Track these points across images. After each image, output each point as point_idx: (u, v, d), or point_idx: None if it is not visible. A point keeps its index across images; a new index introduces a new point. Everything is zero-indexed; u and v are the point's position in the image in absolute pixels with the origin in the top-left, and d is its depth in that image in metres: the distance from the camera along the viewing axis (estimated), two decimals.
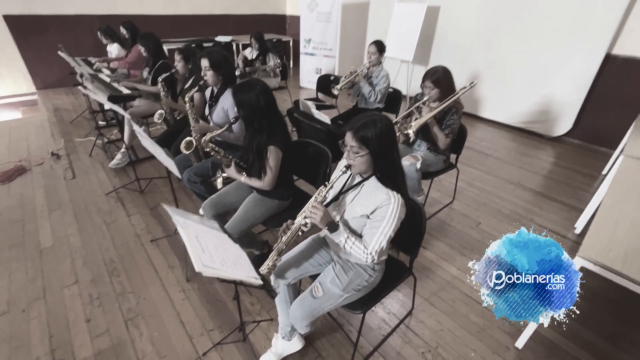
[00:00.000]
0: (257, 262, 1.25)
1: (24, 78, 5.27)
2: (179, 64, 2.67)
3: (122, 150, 3.16)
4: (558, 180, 3.29)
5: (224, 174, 1.97)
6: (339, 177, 1.25)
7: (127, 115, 2.24)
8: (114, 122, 4.18)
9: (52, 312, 1.76)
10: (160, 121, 2.83)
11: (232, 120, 1.76)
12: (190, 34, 6.50)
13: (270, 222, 1.86)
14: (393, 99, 3.26)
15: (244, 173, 1.83)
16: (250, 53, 4.38)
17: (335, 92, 3.03)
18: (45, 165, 3.20)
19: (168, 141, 2.68)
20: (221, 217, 1.91)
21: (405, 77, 5.29)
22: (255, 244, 2.02)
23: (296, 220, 1.27)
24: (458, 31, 4.73)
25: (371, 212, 1.19)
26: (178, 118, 2.95)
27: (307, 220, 1.23)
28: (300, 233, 1.28)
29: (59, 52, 3.72)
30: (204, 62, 2.04)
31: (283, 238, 1.29)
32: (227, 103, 2.10)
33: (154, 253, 2.18)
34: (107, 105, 2.44)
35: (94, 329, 1.67)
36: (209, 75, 2.07)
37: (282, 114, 1.73)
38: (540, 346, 1.65)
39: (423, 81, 2.15)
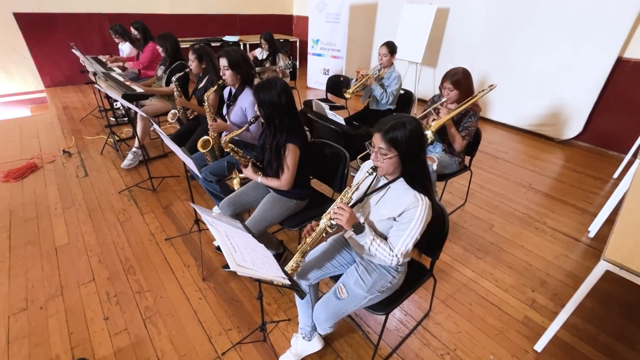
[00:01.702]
0: None
1: (32, 76, 5.29)
2: (192, 64, 2.67)
3: (134, 149, 3.16)
4: (569, 183, 3.28)
5: (241, 175, 1.98)
6: (364, 178, 1.24)
7: (143, 114, 2.25)
8: (124, 121, 4.19)
9: (70, 310, 1.76)
10: (173, 120, 2.84)
11: (251, 120, 1.76)
12: (198, 33, 6.51)
13: (287, 221, 1.86)
14: (404, 100, 3.26)
15: (260, 173, 1.84)
16: (261, 53, 4.38)
17: (347, 95, 3.03)
18: (57, 162, 3.21)
19: (181, 140, 2.69)
20: (238, 217, 1.91)
21: (414, 79, 5.30)
22: (272, 244, 2.02)
23: (321, 222, 1.27)
24: (467, 33, 4.73)
25: (399, 215, 1.19)
26: (191, 117, 2.96)
27: (334, 222, 1.23)
28: (324, 234, 1.28)
29: (72, 50, 3.74)
30: (223, 62, 2.04)
31: (307, 239, 1.29)
32: (245, 102, 2.11)
33: (169, 252, 2.18)
34: (122, 103, 2.44)
35: (112, 327, 1.68)
36: (227, 75, 2.07)
37: (299, 112, 1.73)
38: (560, 350, 1.64)
39: (442, 82, 2.15)
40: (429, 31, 4.71)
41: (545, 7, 3.90)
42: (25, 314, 1.73)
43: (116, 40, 4.32)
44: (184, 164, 2.31)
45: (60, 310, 1.76)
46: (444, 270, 2.12)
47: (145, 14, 5.81)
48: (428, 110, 2.24)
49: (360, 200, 1.30)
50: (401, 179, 1.21)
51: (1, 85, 5.11)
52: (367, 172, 1.22)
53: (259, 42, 4.36)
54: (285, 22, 7.85)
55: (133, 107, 2.39)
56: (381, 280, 1.32)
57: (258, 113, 1.65)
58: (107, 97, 3.91)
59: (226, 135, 1.90)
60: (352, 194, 1.25)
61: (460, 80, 2.10)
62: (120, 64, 4.13)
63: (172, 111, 2.81)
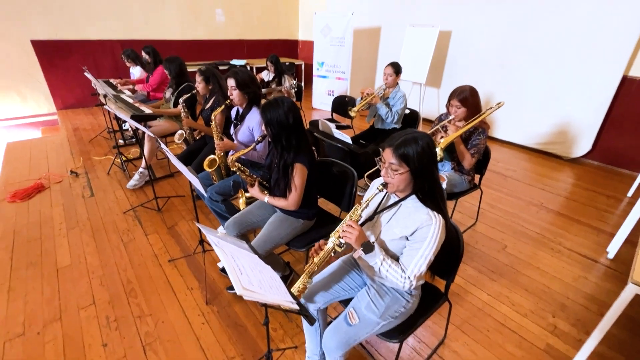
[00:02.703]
0: None
1: (45, 99, 5.43)
2: (199, 85, 2.72)
3: (140, 170, 3.17)
4: (581, 202, 3.19)
5: (247, 194, 1.96)
6: (374, 195, 1.20)
7: (151, 134, 2.26)
8: (132, 142, 4.24)
9: (68, 335, 1.69)
10: (180, 141, 2.86)
11: (258, 139, 1.75)
12: (206, 57, 6.71)
13: (293, 242, 1.81)
14: (410, 119, 3.27)
15: (267, 193, 1.80)
16: (267, 75, 4.48)
17: (353, 114, 3.04)
18: (64, 183, 3.22)
19: (188, 160, 2.69)
20: (244, 237, 1.86)
21: (418, 99, 5.34)
22: (278, 266, 1.96)
23: (329, 240, 1.22)
24: (470, 54, 4.80)
25: (411, 233, 1.14)
26: (197, 138, 2.98)
27: (342, 240, 1.18)
28: (333, 254, 1.23)
29: (85, 73, 3.84)
30: (231, 82, 2.07)
31: (315, 259, 1.23)
32: (252, 122, 2.11)
33: (172, 274, 2.12)
34: (130, 123, 2.47)
35: (111, 355, 1.60)
36: (235, 95, 2.09)
37: (307, 131, 1.72)
38: None
39: (449, 100, 2.14)
40: (432, 53, 4.79)
41: (548, 27, 3.96)
42: (21, 340, 1.66)
43: (127, 64, 4.45)
44: (190, 183, 2.30)
45: (57, 336, 1.69)
46: (457, 294, 2.02)
47: (157, 39, 6.02)
48: (436, 127, 2.23)
49: (371, 218, 1.26)
50: (413, 197, 1.17)
51: (15, 108, 5.25)
52: (377, 188, 1.18)
53: (265, 64, 4.47)
54: (291, 47, 8.08)
55: (141, 127, 2.41)
56: (394, 304, 1.25)
57: (265, 132, 1.64)
58: (117, 118, 3.98)
59: (233, 154, 1.88)
60: (362, 211, 1.20)
61: (467, 98, 2.09)
62: (131, 86, 4.23)
63: (179, 132, 2.83)
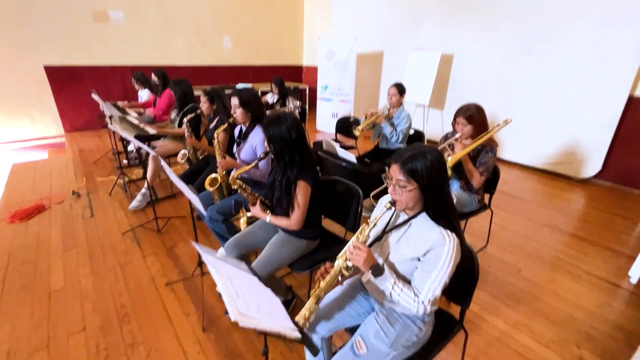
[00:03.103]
0: None
1: (54, 121, 5.54)
2: (204, 105, 2.73)
3: (143, 191, 3.13)
4: (596, 223, 3.07)
5: (248, 214, 1.89)
6: (382, 214, 1.13)
7: (152, 153, 2.24)
8: (136, 163, 4.24)
9: None
10: (183, 161, 2.83)
11: (261, 156, 1.71)
12: (212, 82, 6.87)
13: (296, 264, 1.72)
14: (415, 140, 3.23)
15: (269, 212, 1.74)
16: (272, 97, 4.53)
17: (357, 132, 3.02)
18: (65, 203, 3.19)
19: (190, 180, 2.66)
20: (244, 258, 1.78)
21: (422, 120, 5.36)
22: (280, 289, 1.85)
23: (336, 263, 1.14)
24: (472, 77, 4.84)
25: (423, 254, 1.05)
26: (200, 158, 2.96)
27: (349, 263, 1.10)
28: (340, 277, 1.14)
29: (92, 95, 3.91)
30: (234, 101, 2.06)
31: (321, 283, 1.15)
32: (256, 140, 2.08)
33: (169, 298, 2.01)
34: (134, 143, 2.46)
35: None
36: (238, 113, 2.07)
37: (311, 149, 1.68)
38: None
39: (455, 118, 2.11)
40: (434, 76, 4.85)
41: (551, 48, 3.98)
42: None
43: (137, 87, 4.55)
44: (190, 203, 2.24)
45: None
46: (472, 321, 1.88)
47: (165, 65, 6.20)
48: (442, 146, 2.18)
49: (379, 238, 1.18)
50: (424, 214, 1.09)
51: (24, 131, 5.34)
52: (385, 206, 1.11)
53: (269, 87, 4.54)
54: (296, 72, 8.28)
55: (144, 146, 2.39)
56: (406, 332, 1.14)
57: (268, 149, 1.60)
58: (122, 140, 4.01)
59: (235, 171, 1.83)
60: (370, 231, 1.12)
61: (473, 115, 2.06)
62: (141, 109, 4.30)
63: (182, 151, 2.81)
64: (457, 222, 1.08)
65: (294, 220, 1.59)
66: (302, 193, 1.55)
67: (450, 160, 1.97)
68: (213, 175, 2.15)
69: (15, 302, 1.96)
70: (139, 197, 3.10)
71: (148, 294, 2.04)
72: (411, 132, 3.17)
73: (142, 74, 4.47)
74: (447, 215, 1.06)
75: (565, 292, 2.14)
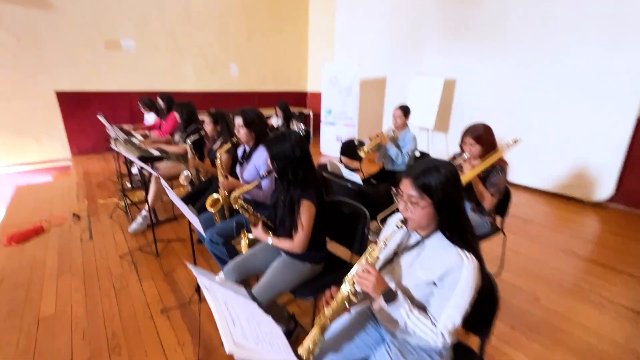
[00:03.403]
0: None
1: (61, 145, 5.60)
2: (208, 126, 2.73)
3: (143, 213, 3.07)
4: (614, 248, 2.93)
5: (250, 235, 1.81)
6: (393, 233, 1.05)
7: (155, 173, 2.20)
8: (139, 185, 4.22)
9: None
10: (186, 183, 2.79)
11: (263, 174, 1.66)
12: (219, 107, 6.99)
13: (300, 290, 1.61)
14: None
15: (271, 234, 1.66)
16: (276, 121, 4.57)
17: (363, 154, 2.98)
18: (65, 226, 3.12)
19: (191, 201, 2.60)
20: (244, 283, 1.67)
21: (426, 144, 5.34)
22: (281, 318, 1.73)
23: (342, 288, 1.05)
24: (476, 101, 4.86)
25: (439, 278, 0.96)
26: (203, 180, 2.92)
27: (358, 288, 1.01)
28: (347, 304, 1.05)
29: (98, 116, 3.97)
30: (238, 120, 2.04)
31: (326, 311, 1.05)
32: (259, 160, 2.04)
33: (163, 326, 1.89)
34: (137, 163, 2.43)
35: None
36: (242, 133, 2.05)
37: (315, 167, 1.62)
38: None
39: (463, 138, 2.06)
40: (438, 100, 4.89)
41: (555, 71, 3.98)
42: None
43: (143, 111, 4.64)
44: (190, 225, 2.17)
45: None
46: (490, 354, 1.73)
47: (173, 90, 6.35)
48: None
49: (390, 260, 1.09)
50: (438, 234, 1.01)
51: (31, 154, 5.39)
52: (396, 225, 1.03)
53: (274, 111, 4.58)
54: (300, 98, 8.45)
55: (146, 166, 2.36)
56: None
57: (271, 167, 1.55)
58: (126, 162, 4.02)
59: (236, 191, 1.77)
60: (379, 252, 1.04)
61: (482, 135, 2.01)
62: (146, 132, 4.35)
63: (184, 173, 2.78)
64: (476, 242, 1.00)
65: (298, 242, 1.51)
66: (306, 213, 1.48)
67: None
68: (215, 195, 2.09)
69: (2, 330, 1.85)
70: (139, 219, 3.04)
71: (142, 322, 1.92)
72: (417, 153, 3.13)
73: (148, 98, 4.57)
74: (464, 235, 0.98)
75: (590, 323, 1.98)
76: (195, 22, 6.36)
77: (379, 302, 1.00)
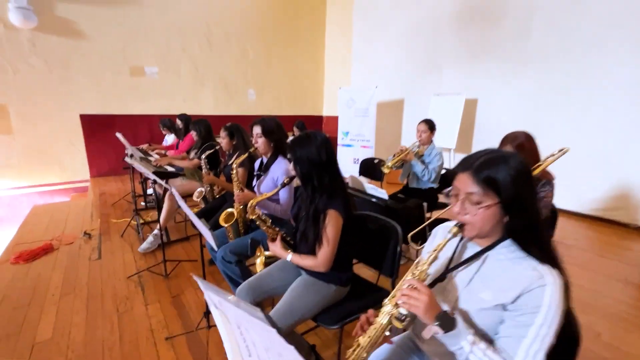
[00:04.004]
0: None
1: (81, 167, 5.68)
2: (223, 140, 2.64)
3: (155, 232, 2.94)
4: None
5: (266, 253, 1.62)
6: (446, 242, 0.85)
7: (166, 186, 2.08)
8: (153, 205, 4.14)
9: None
10: (199, 199, 2.67)
11: (285, 181, 1.49)
12: None
13: (323, 316, 1.39)
14: (448, 180, 2.97)
15: (290, 251, 1.47)
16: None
17: (386, 169, 2.80)
18: (75, 245, 3.02)
19: (204, 219, 2.45)
20: (259, 307, 1.46)
21: (448, 164, 5.11)
22: (300, 349, 1.49)
23: (383, 311, 0.84)
24: (500, 121, 4.67)
25: (512, 301, 0.74)
26: (217, 196, 2.79)
27: (403, 311, 0.80)
28: (388, 332, 0.83)
29: (117, 134, 3.99)
30: (256, 129, 1.93)
31: (361, 340, 0.84)
32: (277, 172, 1.89)
33: (167, 356, 1.68)
34: (151, 177, 2.34)
35: None
36: (260, 143, 1.92)
37: (342, 174, 1.45)
38: None
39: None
40: (460, 120, 4.73)
41: (585, 87, 3.78)
42: None
43: (163, 132, 4.72)
44: (201, 245, 2.02)
45: None
46: None
47: (192, 114, 6.45)
48: None
49: (441, 278, 0.88)
50: (505, 243, 0.80)
51: (52, 176, 5.47)
52: (450, 232, 0.83)
53: (291, 132, 4.53)
54: (316, 122, 8.47)
55: (160, 180, 2.25)
56: None
57: (293, 172, 1.39)
58: (142, 182, 3.97)
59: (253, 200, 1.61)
60: (428, 265, 0.83)
61: (523, 144, 1.81)
62: (162, 151, 4.36)
63: (198, 189, 2.66)
64: (556, 253, 0.79)
65: (322, 258, 1.31)
66: (332, 224, 1.29)
67: None
68: (229, 210, 1.94)
69: None
70: (150, 238, 2.90)
71: (144, 350, 1.71)
72: (442, 171, 2.92)
73: (168, 120, 4.63)
74: (542, 243, 0.77)
75: None
76: (216, 49, 6.58)
77: (431, 330, 0.78)
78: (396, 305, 0.81)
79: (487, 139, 4.83)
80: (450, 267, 0.88)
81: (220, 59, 6.68)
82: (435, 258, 0.83)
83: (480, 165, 0.77)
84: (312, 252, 1.36)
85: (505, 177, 0.75)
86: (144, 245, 2.88)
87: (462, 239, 0.89)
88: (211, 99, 6.75)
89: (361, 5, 6.64)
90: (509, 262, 0.79)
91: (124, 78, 5.77)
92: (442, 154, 2.83)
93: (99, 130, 5.66)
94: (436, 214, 2.43)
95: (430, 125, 2.82)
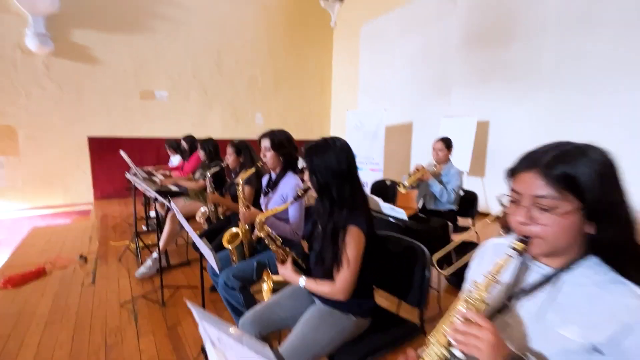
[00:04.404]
0: None
1: (86, 189, 5.60)
2: (230, 157, 2.53)
3: (154, 255, 2.76)
4: None
5: (275, 277, 1.43)
6: (506, 261, 0.66)
7: (168, 204, 1.93)
8: (154, 229, 3.98)
9: None
10: (202, 220, 2.51)
11: (298, 193, 1.33)
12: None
13: (342, 354, 1.17)
14: (467, 202, 2.79)
15: (302, 275, 1.28)
16: (302, 163, 4.37)
17: (402, 189, 2.62)
18: (69, 268, 2.83)
19: (208, 240, 2.27)
20: (265, 341, 1.26)
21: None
22: None
23: (429, 352, 0.65)
24: (513, 143, 4.50)
25: (608, 339, 0.55)
26: (222, 217, 2.63)
27: (459, 353, 0.60)
28: None
29: (120, 151, 3.92)
30: (265, 142, 1.80)
31: None
32: (287, 188, 1.74)
33: None
34: (152, 195, 2.20)
35: None
36: (268, 157, 1.79)
37: (363, 186, 1.29)
38: None
39: None
40: (472, 142, 4.60)
41: (604, 107, 3.65)
42: None
43: (169, 153, 4.67)
44: (201, 271, 1.83)
45: None
46: None
47: (199, 137, 6.46)
48: None
49: (501, 309, 0.69)
50: (587, 262, 0.62)
51: (55, 198, 5.38)
52: (512, 246, 0.65)
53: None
54: None
55: (166, 202, 2.11)
56: None
57: (309, 183, 1.23)
58: (144, 205, 3.85)
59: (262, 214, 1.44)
60: (487, 291, 0.65)
61: None
62: (167, 172, 4.27)
63: (202, 210, 2.50)
64: None
65: (341, 283, 1.12)
66: (353, 243, 1.11)
67: None
68: (234, 229, 1.77)
69: None
70: (148, 262, 2.71)
71: None
72: (461, 192, 2.75)
73: (174, 141, 4.61)
74: (638, 261, 0.59)
75: None
76: (226, 75, 6.70)
77: None
78: (448, 344, 0.62)
79: (500, 162, 4.68)
80: (511, 295, 0.69)
81: (230, 85, 6.78)
82: (496, 282, 0.65)
83: (552, 160, 0.61)
84: (328, 275, 1.17)
85: (589, 174, 0.58)
86: (141, 269, 2.69)
87: (522, 256, 0.71)
88: (219, 122, 6.78)
89: (368, 34, 6.80)
90: (596, 288, 0.60)
91: (134, 101, 5.83)
92: (460, 173, 2.66)
93: (106, 153, 5.64)
94: (456, 237, 2.23)
95: (447, 143, 2.69)
